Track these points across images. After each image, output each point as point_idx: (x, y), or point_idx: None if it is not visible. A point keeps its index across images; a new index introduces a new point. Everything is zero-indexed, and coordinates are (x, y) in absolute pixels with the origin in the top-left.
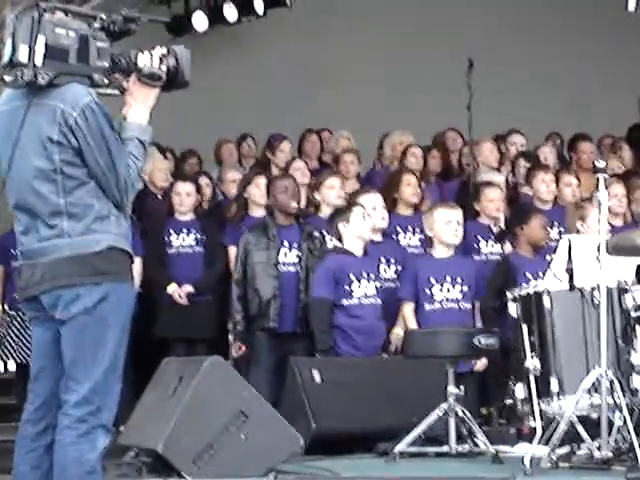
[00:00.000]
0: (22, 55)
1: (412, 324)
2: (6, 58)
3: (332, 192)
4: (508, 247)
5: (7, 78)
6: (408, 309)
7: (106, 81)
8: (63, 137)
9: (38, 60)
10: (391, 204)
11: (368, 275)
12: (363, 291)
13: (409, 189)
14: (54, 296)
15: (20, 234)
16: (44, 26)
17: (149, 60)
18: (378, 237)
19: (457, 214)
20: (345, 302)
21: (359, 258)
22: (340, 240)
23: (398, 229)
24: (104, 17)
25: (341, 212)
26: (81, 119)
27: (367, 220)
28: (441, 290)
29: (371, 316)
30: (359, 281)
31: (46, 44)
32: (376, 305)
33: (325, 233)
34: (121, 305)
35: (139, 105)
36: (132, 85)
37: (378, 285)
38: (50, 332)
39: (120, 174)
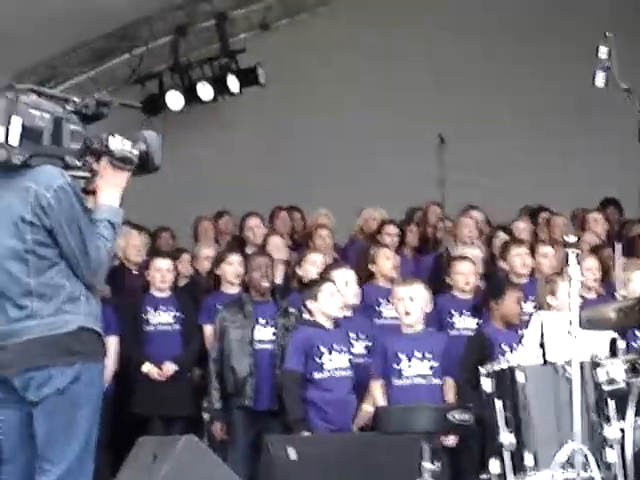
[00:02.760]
0: None
1: (380, 401)
2: None
3: (314, 268)
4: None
5: None
6: (376, 385)
7: (78, 163)
8: (36, 217)
9: (13, 140)
10: (368, 277)
11: (340, 347)
12: (335, 364)
13: (388, 263)
14: (26, 378)
15: None
16: (20, 107)
17: (121, 144)
18: (349, 312)
19: (406, 290)
20: (316, 375)
21: (330, 331)
22: (311, 315)
23: (380, 300)
24: (77, 100)
25: (310, 288)
26: (54, 200)
27: (336, 297)
28: (410, 366)
29: (343, 389)
30: (330, 353)
31: (22, 125)
32: (348, 378)
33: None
34: (93, 384)
35: (110, 188)
36: (103, 168)
37: (349, 358)
38: (20, 413)
39: (90, 255)
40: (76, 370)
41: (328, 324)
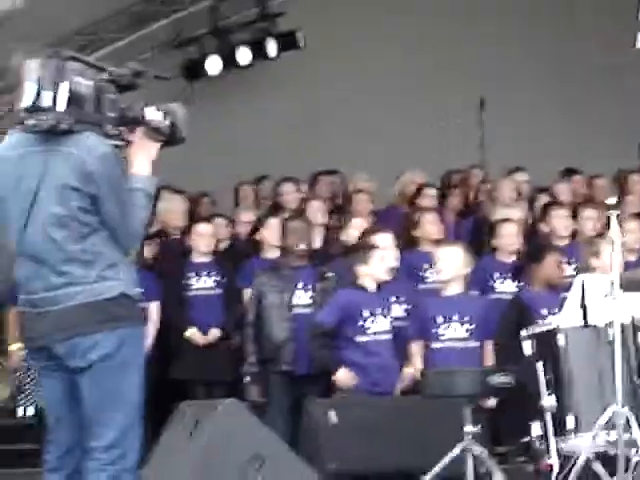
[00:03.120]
0: (46, 100)
1: (418, 363)
2: (29, 102)
3: (358, 233)
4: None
5: (29, 122)
6: (415, 348)
7: (115, 132)
8: (80, 184)
9: (61, 106)
10: (411, 242)
11: (382, 311)
12: (377, 327)
13: (433, 228)
14: (70, 345)
15: (22, 281)
16: (67, 73)
17: (155, 114)
18: (389, 276)
19: (443, 252)
20: (359, 338)
21: (372, 294)
22: (356, 279)
23: (424, 265)
24: (113, 70)
25: (357, 252)
26: (98, 167)
27: (385, 261)
28: (447, 328)
29: (386, 353)
30: (373, 316)
31: (69, 90)
32: (389, 341)
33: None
34: (137, 349)
35: (143, 157)
36: (139, 138)
37: (390, 321)
38: (63, 382)
39: (130, 223)
40: (120, 335)
41: (372, 288)
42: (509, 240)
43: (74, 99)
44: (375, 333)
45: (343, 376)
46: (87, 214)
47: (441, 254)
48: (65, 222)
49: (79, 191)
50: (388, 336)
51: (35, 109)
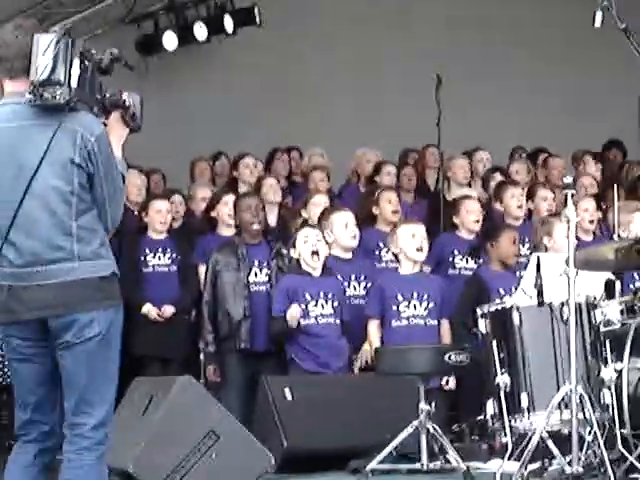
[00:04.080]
0: (60, 74)
1: (376, 341)
2: (44, 76)
3: (319, 209)
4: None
5: (44, 94)
6: (373, 326)
7: (100, 114)
8: (82, 160)
9: (74, 82)
10: (368, 220)
11: (326, 295)
12: (320, 311)
13: (390, 206)
14: (68, 320)
15: (7, 252)
16: (77, 52)
17: (132, 101)
18: (348, 255)
19: (419, 228)
20: (303, 322)
21: (316, 278)
22: (298, 262)
23: (380, 244)
24: (95, 53)
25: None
26: (97, 146)
27: (309, 243)
28: (407, 307)
29: (329, 335)
30: (316, 300)
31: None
32: (333, 325)
33: None
34: (119, 328)
35: (117, 141)
36: (115, 121)
37: (336, 305)
38: (43, 365)
39: (114, 204)
40: (112, 314)
41: (313, 270)
42: (471, 217)
43: (80, 78)
44: (317, 316)
45: (293, 311)
46: (85, 191)
47: (417, 230)
48: (66, 197)
49: (80, 167)
50: (331, 319)
51: (49, 83)
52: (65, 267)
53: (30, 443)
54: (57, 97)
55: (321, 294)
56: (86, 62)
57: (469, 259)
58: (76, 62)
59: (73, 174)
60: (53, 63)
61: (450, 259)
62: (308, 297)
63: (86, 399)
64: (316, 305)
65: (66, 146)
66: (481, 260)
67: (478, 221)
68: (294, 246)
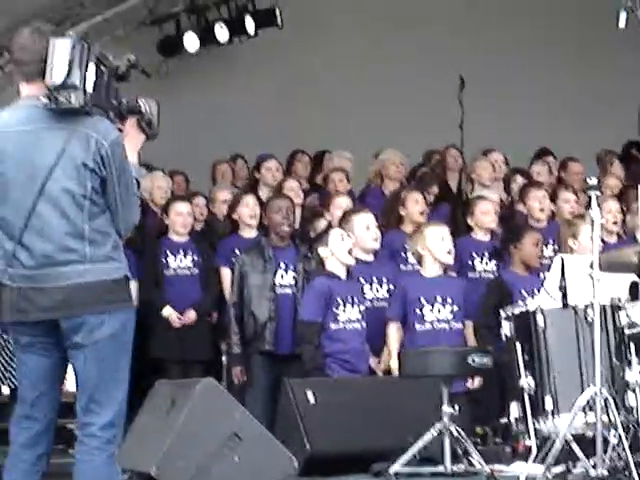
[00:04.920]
0: (76, 79)
1: (394, 344)
2: (60, 80)
3: (341, 212)
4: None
5: (60, 98)
6: (392, 329)
7: (115, 120)
8: (96, 165)
9: (89, 87)
10: (394, 222)
11: (352, 299)
12: (347, 316)
13: (417, 207)
14: (78, 321)
15: (19, 254)
16: (92, 57)
17: (149, 108)
18: (371, 257)
19: (447, 231)
20: (332, 326)
21: (343, 281)
22: (322, 265)
23: (407, 246)
24: (113, 60)
25: (321, 235)
26: (111, 151)
27: (346, 241)
28: (432, 310)
29: (355, 341)
30: (345, 305)
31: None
32: (359, 330)
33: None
34: (131, 330)
35: (132, 147)
36: (130, 127)
37: (362, 309)
38: (50, 358)
39: (128, 208)
40: (123, 316)
41: (342, 273)
42: (486, 218)
43: (96, 83)
44: (345, 321)
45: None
46: (98, 195)
47: (445, 233)
48: (79, 200)
49: (93, 172)
50: (357, 325)
51: (64, 87)
52: (77, 269)
53: (26, 450)
54: (72, 101)
55: (348, 298)
56: (102, 67)
57: (488, 261)
58: (92, 67)
59: (86, 178)
60: (69, 67)
61: (470, 262)
62: (339, 301)
63: (95, 399)
64: (344, 310)
65: (80, 150)
66: (501, 264)
67: (493, 221)
68: (326, 244)
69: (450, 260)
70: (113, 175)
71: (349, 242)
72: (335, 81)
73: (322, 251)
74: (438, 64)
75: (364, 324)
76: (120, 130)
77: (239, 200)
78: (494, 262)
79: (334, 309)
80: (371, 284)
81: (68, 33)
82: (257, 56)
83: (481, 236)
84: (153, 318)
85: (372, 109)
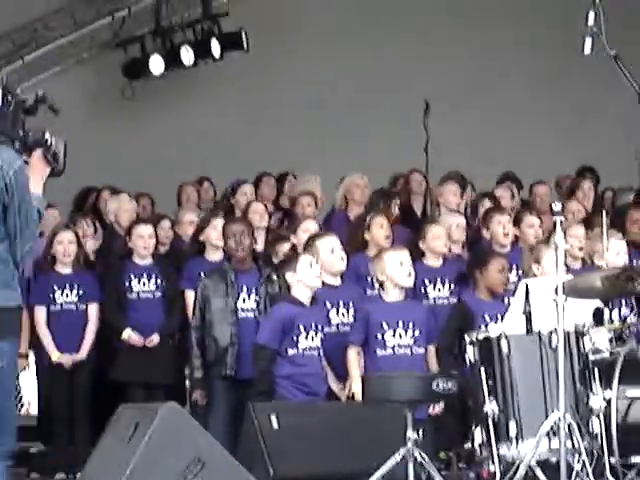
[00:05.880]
0: None
1: (354, 369)
2: None
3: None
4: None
5: None
6: (353, 353)
7: (20, 150)
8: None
9: None
10: (359, 246)
11: (315, 327)
12: (308, 343)
13: (381, 231)
14: None
15: None
16: (1, 87)
17: (55, 142)
18: (337, 281)
19: (407, 255)
20: (290, 352)
21: (307, 308)
22: (288, 289)
23: (371, 270)
24: (18, 93)
25: (288, 261)
26: (15, 179)
27: (314, 268)
28: (393, 335)
29: (314, 365)
30: (307, 333)
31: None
32: (317, 357)
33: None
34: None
35: (37, 178)
36: (36, 160)
37: (321, 336)
38: None
39: (28, 237)
40: (16, 344)
41: (306, 299)
42: (436, 242)
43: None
44: (304, 348)
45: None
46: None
47: (405, 257)
48: None
49: None
50: (316, 352)
51: None
52: None
53: None
54: None
55: (311, 325)
56: (9, 97)
57: (440, 286)
58: None
59: None
60: None
61: (422, 290)
62: (301, 329)
63: None
64: (306, 338)
65: None
66: (461, 289)
67: (445, 245)
68: (294, 270)
69: (410, 283)
70: (14, 203)
71: (317, 269)
72: (300, 104)
73: (289, 277)
74: (404, 88)
75: (321, 350)
76: (26, 162)
77: (207, 223)
78: (447, 287)
79: (294, 336)
80: (337, 309)
81: None
82: (222, 79)
83: (433, 261)
84: (116, 341)
85: (338, 132)
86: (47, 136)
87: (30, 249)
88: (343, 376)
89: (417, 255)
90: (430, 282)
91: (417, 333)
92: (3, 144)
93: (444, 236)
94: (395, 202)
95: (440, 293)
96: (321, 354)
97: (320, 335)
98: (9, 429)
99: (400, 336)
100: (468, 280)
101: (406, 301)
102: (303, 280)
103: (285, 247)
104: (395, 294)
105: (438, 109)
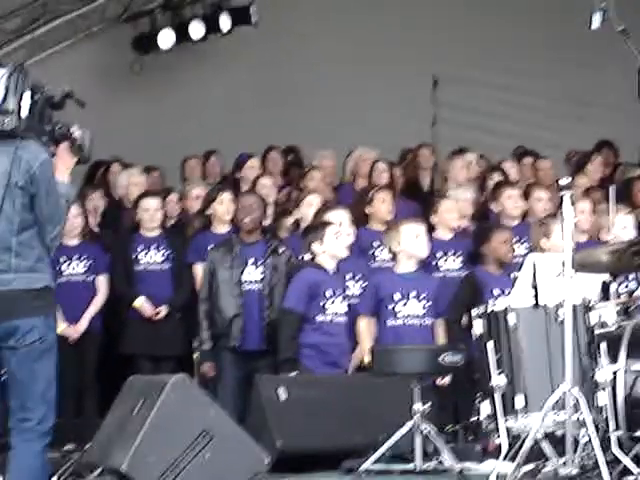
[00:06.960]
0: (11, 105)
1: (366, 339)
2: None
3: (311, 210)
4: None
5: None
6: (363, 324)
7: (48, 144)
8: (26, 184)
9: (24, 112)
10: (363, 219)
11: (342, 293)
12: (335, 309)
13: (384, 205)
14: (10, 326)
15: None
16: (28, 84)
17: (81, 134)
18: (345, 253)
19: (423, 228)
20: (319, 318)
21: (332, 275)
22: (313, 259)
23: (373, 243)
24: (48, 88)
25: (314, 231)
26: (40, 171)
27: (340, 238)
28: (405, 305)
29: (341, 335)
30: (333, 298)
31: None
32: (345, 324)
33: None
34: (55, 334)
35: (64, 168)
36: (62, 151)
37: (347, 303)
38: None
39: (57, 224)
40: (50, 321)
41: (331, 267)
42: (448, 216)
43: (30, 109)
44: (332, 314)
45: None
46: (26, 211)
47: (420, 230)
48: (10, 217)
49: (23, 190)
50: (344, 319)
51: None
52: (4, 278)
53: None
54: (5, 125)
55: (337, 291)
56: (37, 95)
57: (452, 258)
58: (27, 94)
59: (17, 196)
60: (5, 93)
61: (433, 262)
62: (327, 294)
63: (30, 397)
64: (333, 302)
65: (11, 170)
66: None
67: (457, 219)
68: (321, 240)
69: (426, 254)
70: (42, 193)
71: (343, 239)
72: (309, 78)
73: (316, 247)
74: (413, 63)
75: (346, 319)
76: (53, 154)
77: (215, 196)
78: (460, 260)
79: (321, 301)
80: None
81: (6, 62)
82: (232, 53)
83: (444, 235)
84: (124, 314)
85: (347, 105)
86: (72, 130)
87: (59, 233)
88: (352, 347)
89: (427, 229)
90: (442, 255)
91: (428, 304)
92: (31, 139)
93: (455, 210)
94: (397, 173)
95: (452, 265)
96: (346, 322)
97: (345, 302)
98: (49, 406)
99: (412, 307)
100: (476, 259)
101: (418, 272)
102: (329, 250)
103: (290, 221)
104: (408, 266)
105: (447, 85)
